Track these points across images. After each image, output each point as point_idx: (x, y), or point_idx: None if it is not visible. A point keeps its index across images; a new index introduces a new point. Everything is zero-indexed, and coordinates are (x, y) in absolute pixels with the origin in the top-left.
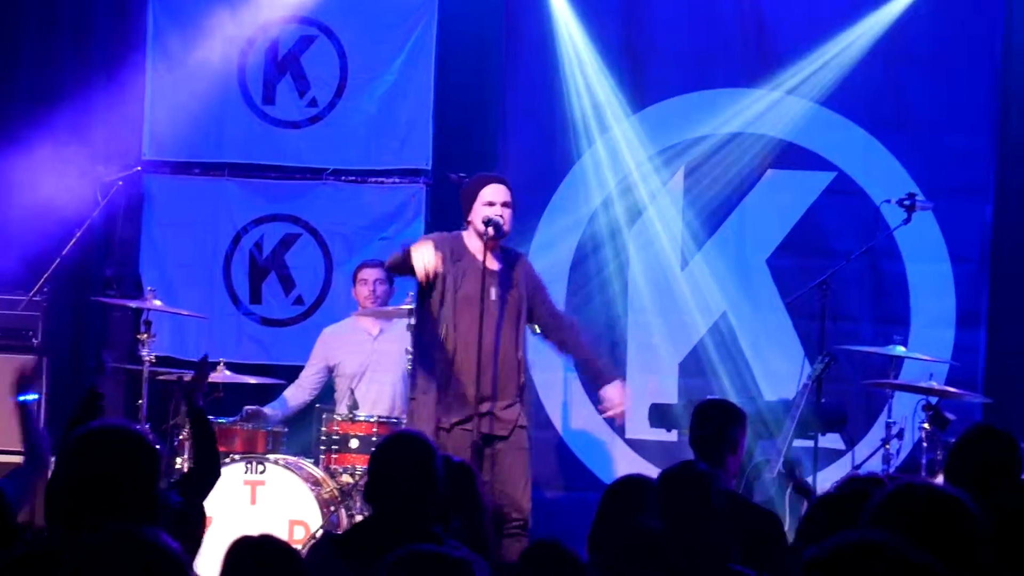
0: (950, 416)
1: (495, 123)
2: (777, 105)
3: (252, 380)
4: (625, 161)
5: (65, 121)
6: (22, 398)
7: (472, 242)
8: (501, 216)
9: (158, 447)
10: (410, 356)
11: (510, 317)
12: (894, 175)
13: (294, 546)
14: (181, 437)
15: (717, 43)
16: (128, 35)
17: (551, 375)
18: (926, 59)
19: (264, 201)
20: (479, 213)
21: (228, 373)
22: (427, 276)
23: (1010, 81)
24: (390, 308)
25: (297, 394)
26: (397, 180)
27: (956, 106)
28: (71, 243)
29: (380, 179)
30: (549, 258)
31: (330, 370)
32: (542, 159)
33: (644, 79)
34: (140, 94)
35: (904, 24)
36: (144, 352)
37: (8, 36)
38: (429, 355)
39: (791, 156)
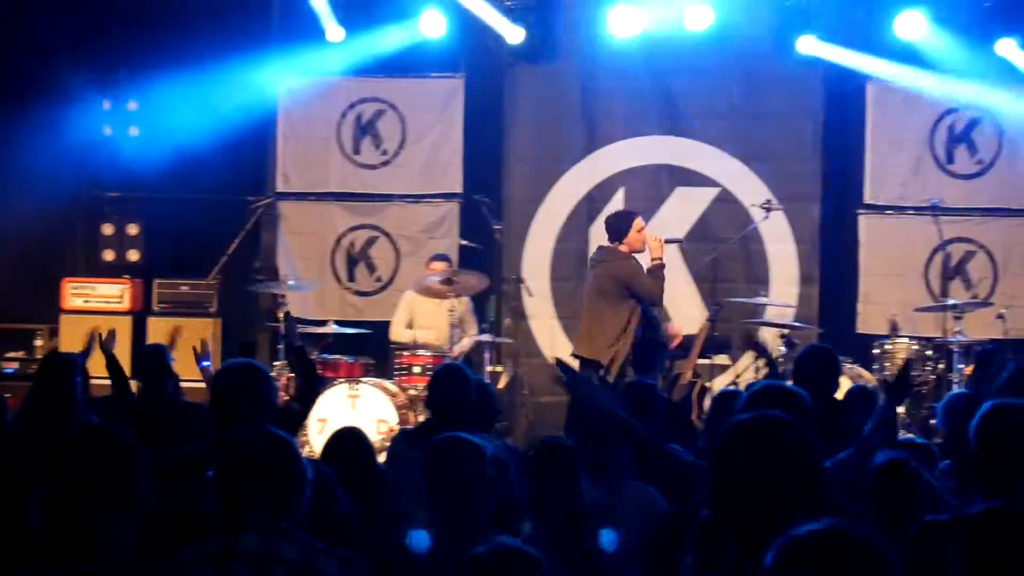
0: (796, 341)
1: (502, 162)
2: (681, 145)
3: (351, 331)
4: (586, 184)
5: (227, 167)
6: (201, 365)
7: None
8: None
9: (271, 375)
10: (452, 313)
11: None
12: (758, 189)
13: (378, 436)
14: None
15: (641, 107)
16: (264, 112)
17: (542, 322)
18: (776, 115)
19: (355, 216)
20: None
21: (335, 327)
22: None
23: (826, 130)
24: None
25: (399, 332)
26: (440, 200)
27: (795, 145)
28: (233, 245)
29: (429, 200)
30: (539, 247)
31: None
32: (533, 185)
33: (596, 131)
34: (274, 150)
35: (764, 93)
36: (280, 314)
37: (187, 118)
38: None
39: (691, 178)
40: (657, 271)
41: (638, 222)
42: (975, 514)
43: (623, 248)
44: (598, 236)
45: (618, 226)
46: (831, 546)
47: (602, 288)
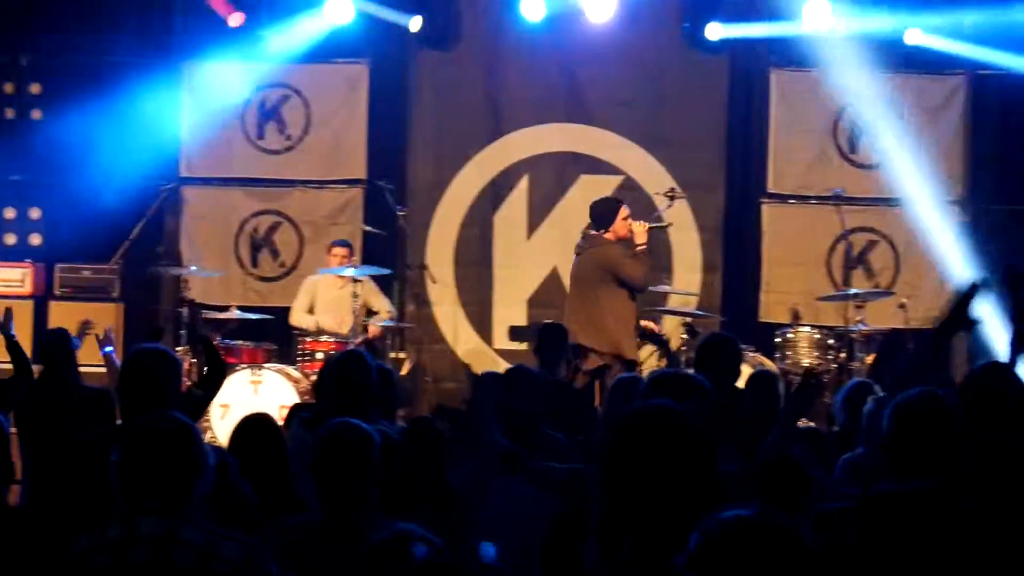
0: (699, 330)
1: (407, 148)
2: (586, 132)
3: (253, 316)
4: (490, 171)
5: (130, 151)
6: (104, 351)
7: None
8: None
9: (180, 362)
10: (354, 299)
11: None
12: (662, 177)
13: (281, 422)
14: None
15: (546, 94)
16: (169, 99)
17: (445, 308)
18: (680, 103)
19: (259, 201)
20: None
21: (238, 312)
22: None
23: (730, 119)
24: (345, 271)
25: (300, 317)
26: (344, 186)
27: (699, 133)
28: (136, 230)
29: (333, 185)
30: (443, 233)
31: (311, 305)
32: (437, 171)
33: (501, 118)
34: (178, 135)
35: (668, 88)
36: (185, 300)
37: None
38: None
39: (596, 166)
40: (642, 257)
41: (623, 210)
42: (869, 497)
43: (608, 236)
44: (502, 223)
45: (603, 214)
46: (755, 532)
47: (588, 275)
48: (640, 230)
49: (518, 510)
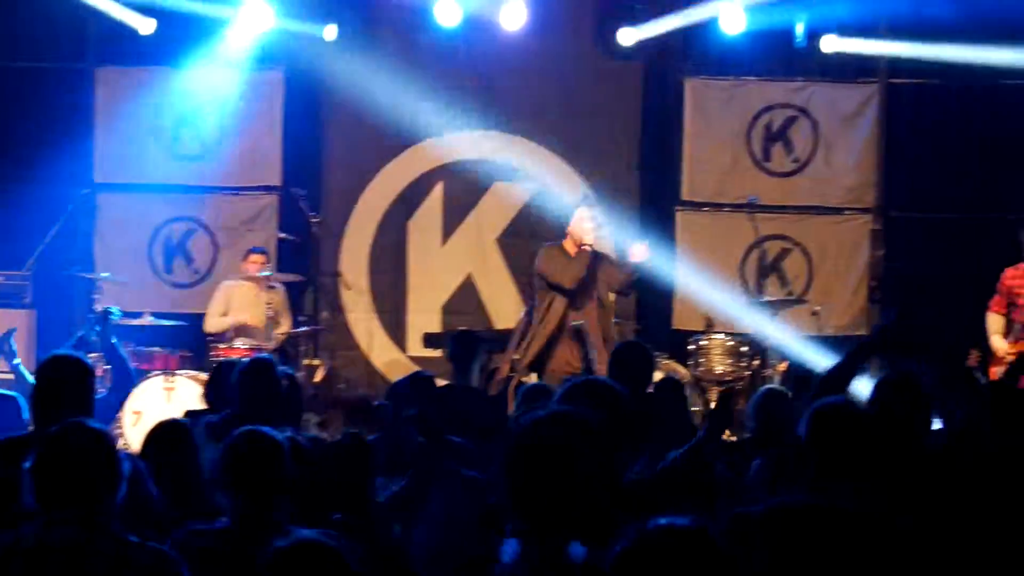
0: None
1: (320, 155)
2: (500, 140)
3: (167, 323)
4: (405, 179)
5: (44, 156)
6: (12, 364)
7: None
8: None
9: (94, 369)
10: (269, 306)
11: None
12: (576, 184)
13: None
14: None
15: (461, 102)
16: (82, 107)
17: (359, 315)
18: (595, 110)
19: (173, 208)
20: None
21: (151, 319)
22: None
23: (644, 126)
24: (260, 277)
25: (215, 322)
26: (259, 193)
27: (614, 140)
28: (50, 235)
29: (247, 192)
30: (358, 241)
31: (225, 311)
32: (352, 179)
33: (417, 126)
34: (92, 141)
35: (582, 96)
36: (97, 306)
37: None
38: None
39: (510, 173)
40: (580, 256)
41: (579, 211)
42: (770, 508)
43: (567, 239)
44: (417, 230)
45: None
46: (682, 540)
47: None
48: (588, 228)
49: (453, 514)
